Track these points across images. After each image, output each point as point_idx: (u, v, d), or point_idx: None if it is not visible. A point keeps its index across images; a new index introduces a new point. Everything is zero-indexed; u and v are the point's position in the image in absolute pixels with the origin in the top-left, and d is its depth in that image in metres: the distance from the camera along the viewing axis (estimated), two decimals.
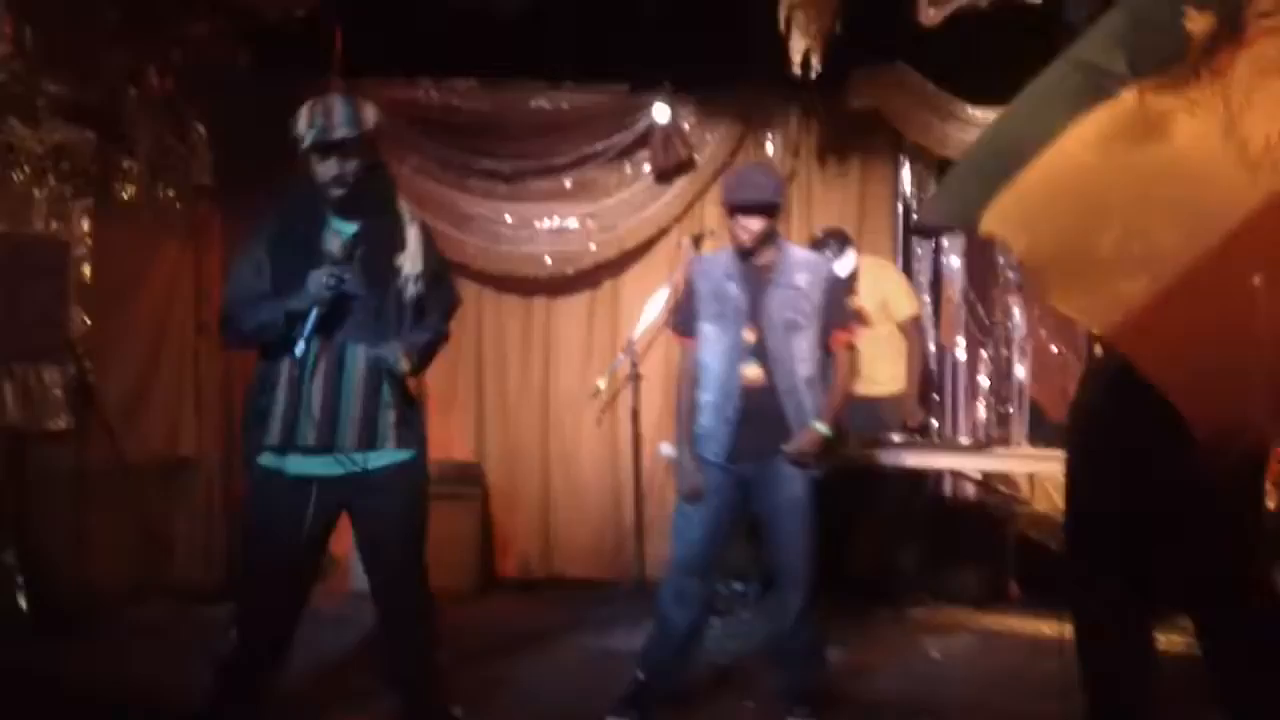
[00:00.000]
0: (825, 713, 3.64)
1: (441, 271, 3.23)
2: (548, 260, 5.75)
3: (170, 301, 5.14)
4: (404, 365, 2.98)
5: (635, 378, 5.44)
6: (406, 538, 3.14)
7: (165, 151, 5.04)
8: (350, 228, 3.05)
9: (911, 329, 5.33)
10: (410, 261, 3.07)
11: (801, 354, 3.51)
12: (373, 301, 3.00)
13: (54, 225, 4.60)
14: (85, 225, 4.71)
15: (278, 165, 5.33)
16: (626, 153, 5.79)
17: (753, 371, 3.48)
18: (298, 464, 3.00)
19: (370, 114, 3.03)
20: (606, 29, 5.20)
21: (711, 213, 5.62)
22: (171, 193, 5.10)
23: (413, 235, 3.11)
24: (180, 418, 5.18)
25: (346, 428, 2.97)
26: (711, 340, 3.56)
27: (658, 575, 5.35)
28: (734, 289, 3.55)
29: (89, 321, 4.72)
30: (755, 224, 3.48)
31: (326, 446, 2.96)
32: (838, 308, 3.66)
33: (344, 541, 5.37)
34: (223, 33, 5.01)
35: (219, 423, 5.34)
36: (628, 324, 5.66)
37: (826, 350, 3.60)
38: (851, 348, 3.78)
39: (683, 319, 3.70)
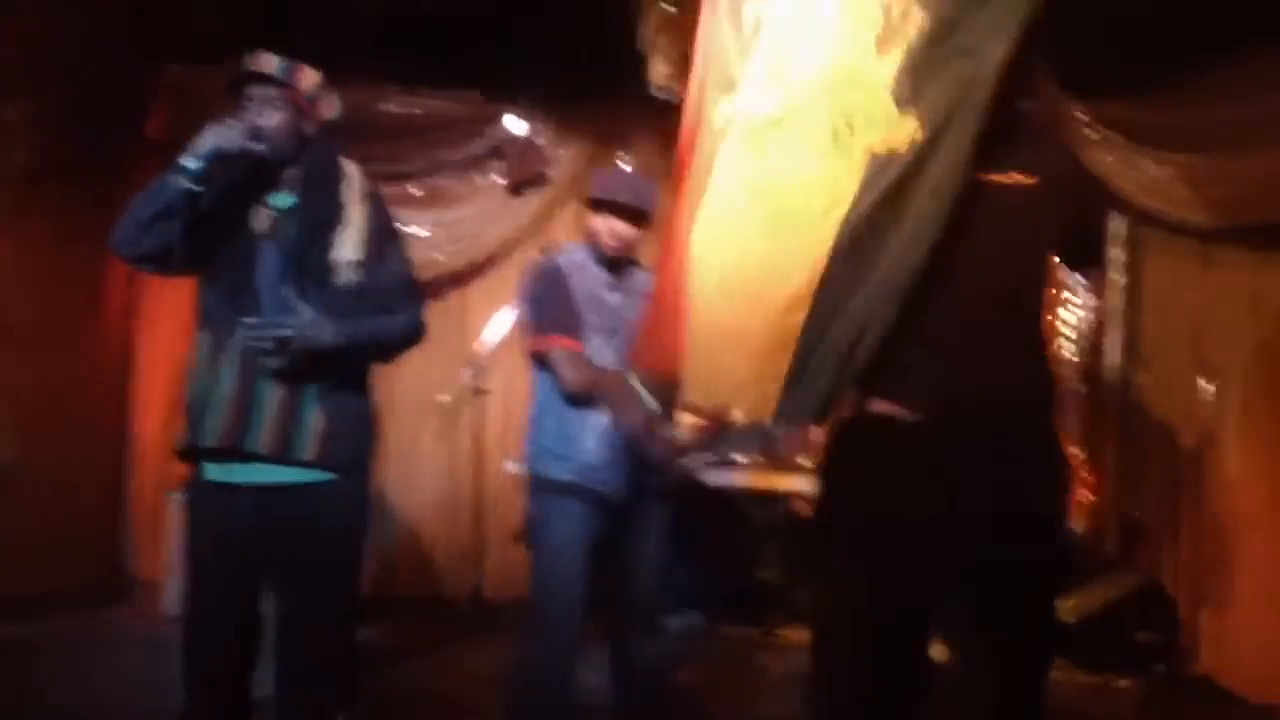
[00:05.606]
0: None
1: (393, 262, 2.73)
2: None
3: None
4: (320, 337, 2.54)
5: (479, 393, 5.32)
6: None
7: None
8: (287, 201, 2.63)
9: None
10: (349, 245, 2.61)
11: None
12: (294, 287, 2.55)
13: None
14: None
15: (112, 153, 5.08)
16: (478, 163, 5.69)
17: None
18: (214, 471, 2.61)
19: (310, 77, 2.64)
20: (465, 35, 5.08)
21: (562, 228, 5.56)
22: None
23: (357, 215, 2.64)
24: None
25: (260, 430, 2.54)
26: (595, 353, 3.13)
27: (497, 596, 5.28)
28: (613, 298, 3.20)
29: None
30: (627, 230, 3.18)
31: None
32: None
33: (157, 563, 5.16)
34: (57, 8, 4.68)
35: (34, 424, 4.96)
36: (473, 338, 5.53)
37: None
38: None
39: (559, 317, 3.14)
